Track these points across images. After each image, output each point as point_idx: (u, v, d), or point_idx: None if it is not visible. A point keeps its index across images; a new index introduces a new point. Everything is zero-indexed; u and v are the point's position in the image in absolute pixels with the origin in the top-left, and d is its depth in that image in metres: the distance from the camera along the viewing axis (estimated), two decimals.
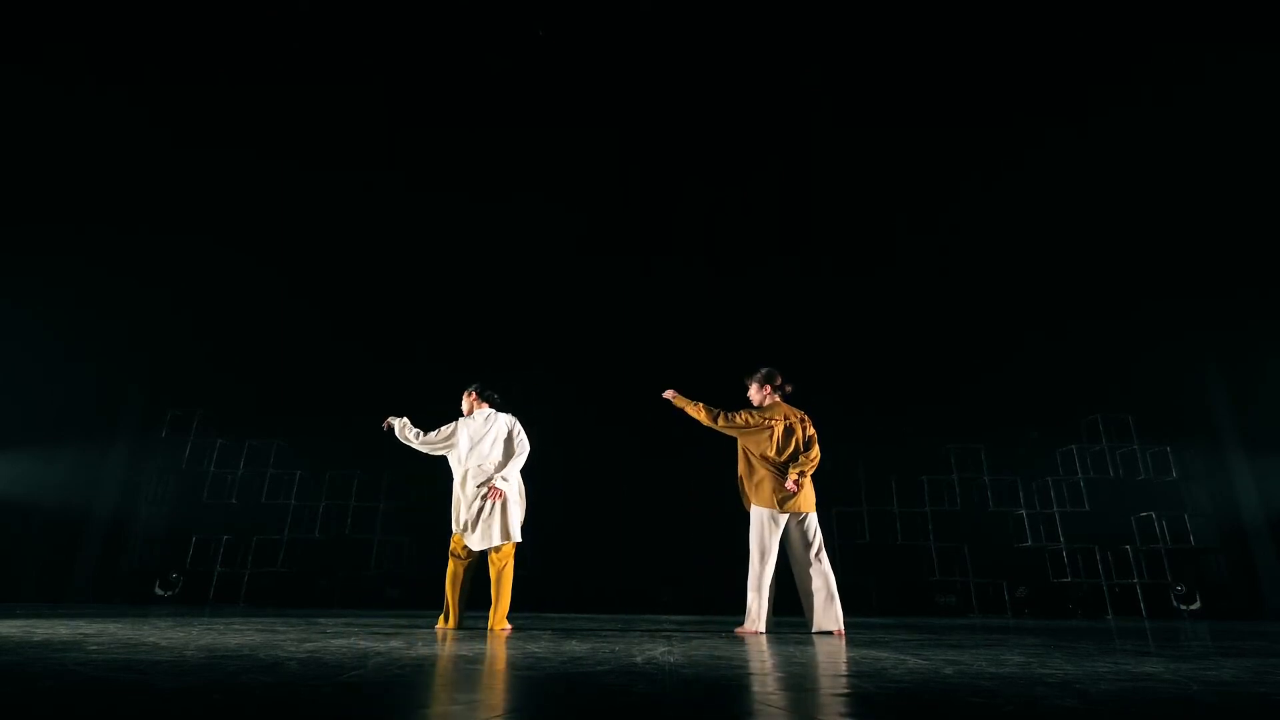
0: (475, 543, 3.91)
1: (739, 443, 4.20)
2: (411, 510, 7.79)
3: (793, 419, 4.17)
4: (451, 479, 4.09)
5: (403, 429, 4.18)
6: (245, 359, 8.39)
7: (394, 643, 2.75)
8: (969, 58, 7.12)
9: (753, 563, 3.96)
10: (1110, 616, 7.31)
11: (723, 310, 8.49)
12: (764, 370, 4.33)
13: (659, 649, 2.68)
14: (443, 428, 4.14)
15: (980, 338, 8.32)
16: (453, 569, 3.97)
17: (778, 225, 8.66)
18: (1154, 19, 6.48)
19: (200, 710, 1.33)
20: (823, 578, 3.94)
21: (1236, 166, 7.08)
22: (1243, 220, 7.34)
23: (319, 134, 7.84)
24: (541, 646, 2.77)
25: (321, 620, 4.52)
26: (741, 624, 3.97)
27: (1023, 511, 8.07)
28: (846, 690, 1.71)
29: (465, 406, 4.31)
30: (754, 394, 4.32)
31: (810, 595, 3.94)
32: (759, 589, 3.89)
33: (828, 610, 3.89)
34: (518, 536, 3.99)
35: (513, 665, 2.14)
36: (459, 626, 3.89)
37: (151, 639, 2.71)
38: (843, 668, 2.16)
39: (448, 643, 2.89)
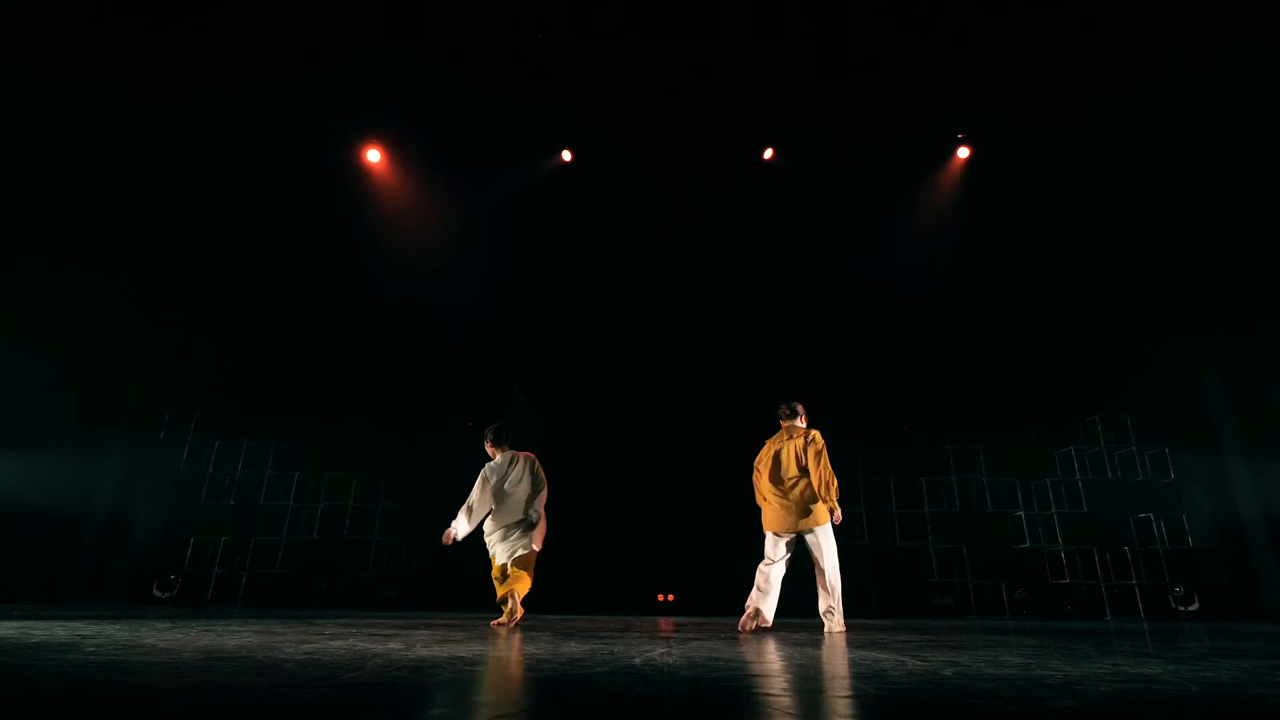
0: (501, 555, 4.53)
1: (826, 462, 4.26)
2: (410, 512, 7.76)
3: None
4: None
5: (457, 526, 4.48)
6: (243, 360, 8.37)
7: (392, 644, 2.74)
8: (970, 57, 7.11)
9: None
10: (1109, 618, 7.31)
11: (723, 310, 8.51)
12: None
13: (658, 650, 2.67)
14: (473, 489, 4.60)
15: (979, 339, 8.33)
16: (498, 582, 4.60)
17: (775, 224, 8.65)
18: (1154, 19, 6.48)
19: (198, 712, 1.32)
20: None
21: (1236, 167, 7.08)
22: (1242, 222, 7.34)
23: (318, 133, 7.85)
24: (541, 648, 2.77)
25: (319, 621, 4.51)
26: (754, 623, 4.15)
27: (1021, 513, 8.06)
28: (847, 692, 1.70)
29: (487, 449, 4.83)
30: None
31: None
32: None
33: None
34: (537, 546, 4.62)
35: (513, 666, 2.14)
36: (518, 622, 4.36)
37: (149, 640, 2.70)
38: (842, 669, 2.16)
39: (446, 644, 2.88)
